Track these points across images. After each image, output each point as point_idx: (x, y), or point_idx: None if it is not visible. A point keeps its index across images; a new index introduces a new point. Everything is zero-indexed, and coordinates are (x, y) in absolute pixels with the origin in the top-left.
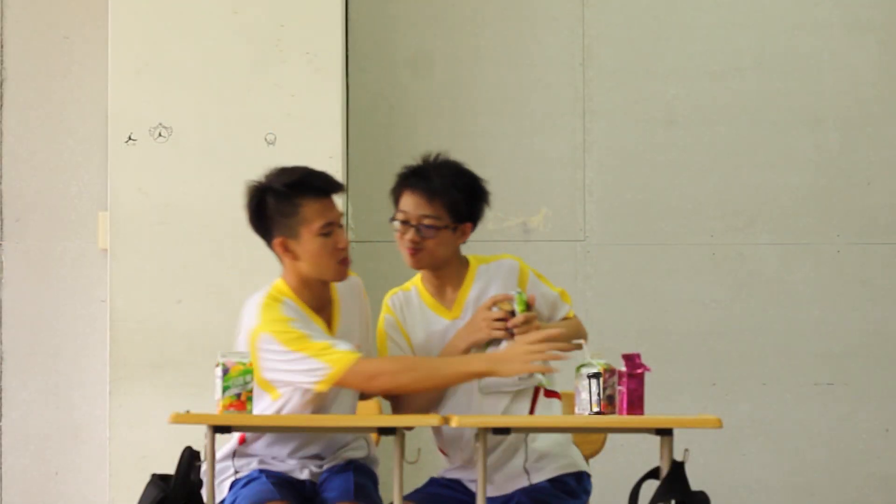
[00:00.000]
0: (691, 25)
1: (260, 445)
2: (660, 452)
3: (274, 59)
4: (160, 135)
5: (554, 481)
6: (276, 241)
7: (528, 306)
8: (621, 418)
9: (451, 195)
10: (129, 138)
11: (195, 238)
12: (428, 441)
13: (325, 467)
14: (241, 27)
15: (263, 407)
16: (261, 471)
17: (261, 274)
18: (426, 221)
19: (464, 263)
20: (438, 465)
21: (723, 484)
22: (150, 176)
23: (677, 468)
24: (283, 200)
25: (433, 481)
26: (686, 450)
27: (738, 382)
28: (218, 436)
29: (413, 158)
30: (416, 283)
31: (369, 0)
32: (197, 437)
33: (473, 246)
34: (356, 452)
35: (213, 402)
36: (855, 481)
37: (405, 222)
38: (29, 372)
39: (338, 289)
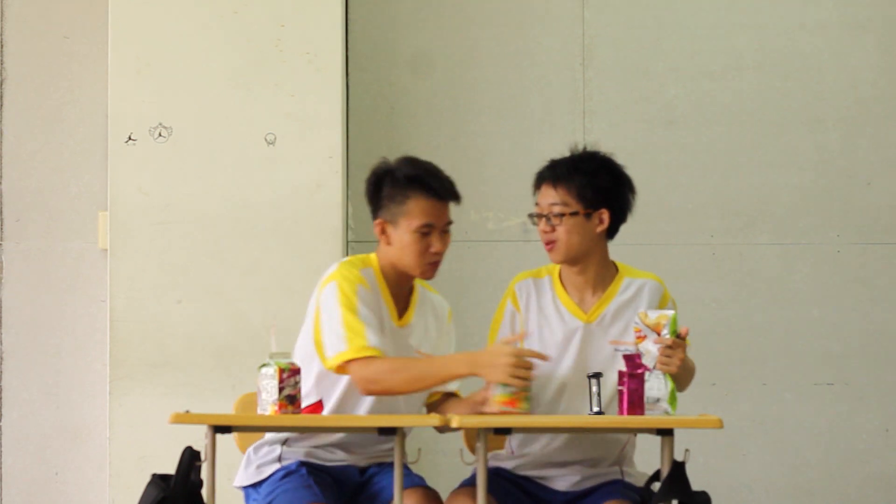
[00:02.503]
0: (691, 25)
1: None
2: (660, 452)
3: (274, 59)
4: (160, 135)
5: (639, 489)
6: (377, 221)
7: (679, 336)
8: (621, 418)
9: (574, 179)
10: (129, 138)
11: (195, 238)
12: (428, 441)
13: (373, 462)
14: (241, 27)
15: (318, 375)
16: (302, 463)
17: (261, 274)
18: (554, 209)
19: (611, 268)
20: (438, 465)
21: (723, 484)
22: (150, 176)
23: (678, 468)
24: (397, 188)
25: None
26: (687, 450)
27: (738, 382)
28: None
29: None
30: (552, 273)
31: (369, 0)
32: (197, 437)
33: (473, 246)
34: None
35: (213, 402)
36: (855, 481)
37: (539, 215)
38: (29, 372)
39: (424, 297)
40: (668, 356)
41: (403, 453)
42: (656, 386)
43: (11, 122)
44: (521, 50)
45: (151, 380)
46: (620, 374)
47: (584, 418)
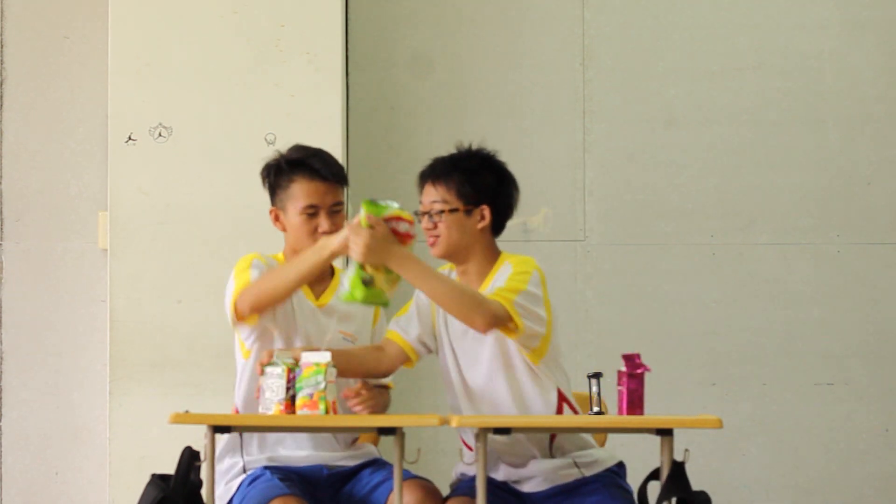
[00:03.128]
0: (691, 25)
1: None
2: (660, 452)
3: (274, 59)
4: (160, 135)
5: (608, 473)
6: (271, 210)
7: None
8: (621, 418)
9: (453, 177)
10: (129, 138)
11: (195, 238)
12: (428, 441)
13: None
14: (241, 27)
15: (239, 370)
16: (265, 467)
17: None
18: (435, 207)
19: (494, 260)
20: (438, 465)
21: (723, 484)
22: (150, 176)
23: (678, 468)
24: (282, 174)
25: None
26: (686, 450)
27: (738, 382)
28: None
29: (413, 158)
30: (453, 268)
31: (369, 0)
32: (197, 437)
33: None
34: (371, 450)
35: (213, 402)
36: (855, 481)
37: (422, 213)
38: (29, 372)
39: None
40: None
41: (403, 453)
42: (344, 280)
43: (11, 122)
44: (521, 50)
45: (151, 380)
46: (620, 374)
47: (584, 418)
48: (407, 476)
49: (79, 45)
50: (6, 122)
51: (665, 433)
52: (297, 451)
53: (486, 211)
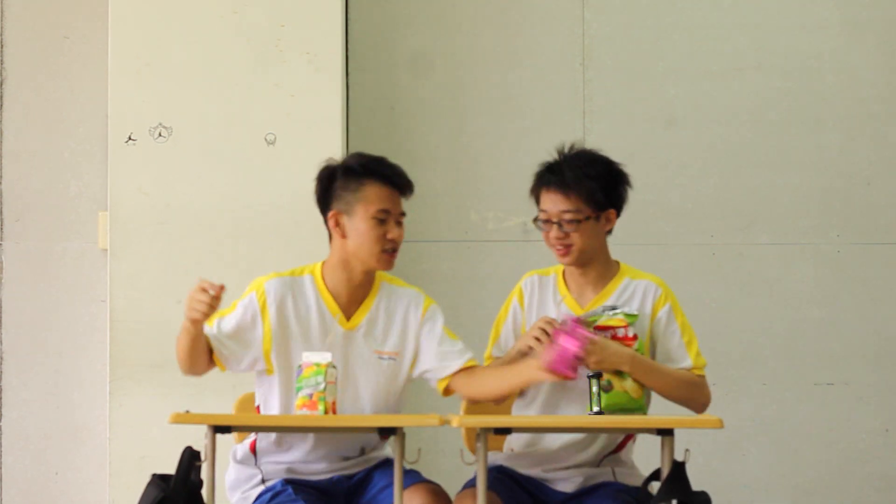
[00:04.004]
0: (691, 25)
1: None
2: (660, 452)
3: (274, 59)
4: (160, 135)
5: (633, 489)
6: (331, 213)
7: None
8: (622, 418)
9: (585, 185)
10: (129, 138)
11: (195, 238)
12: (428, 441)
13: (361, 467)
14: (241, 27)
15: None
16: (287, 481)
17: (261, 274)
18: (567, 216)
19: (613, 267)
20: (438, 465)
21: (723, 484)
22: (150, 176)
23: (678, 468)
24: (351, 176)
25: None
26: (687, 450)
27: (738, 382)
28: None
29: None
30: (558, 272)
31: (369, 0)
32: (197, 437)
33: (473, 246)
34: (386, 450)
35: (213, 402)
36: (855, 481)
37: (547, 221)
38: (29, 372)
39: (388, 293)
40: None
41: (403, 453)
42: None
43: (11, 122)
44: (521, 50)
45: (151, 380)
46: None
47: (584, 418)
48: (416, 480)
49: (79, 45)
50: (6, 122)
51: (665, 433)
52: (315, 465)
53: (613, 214)
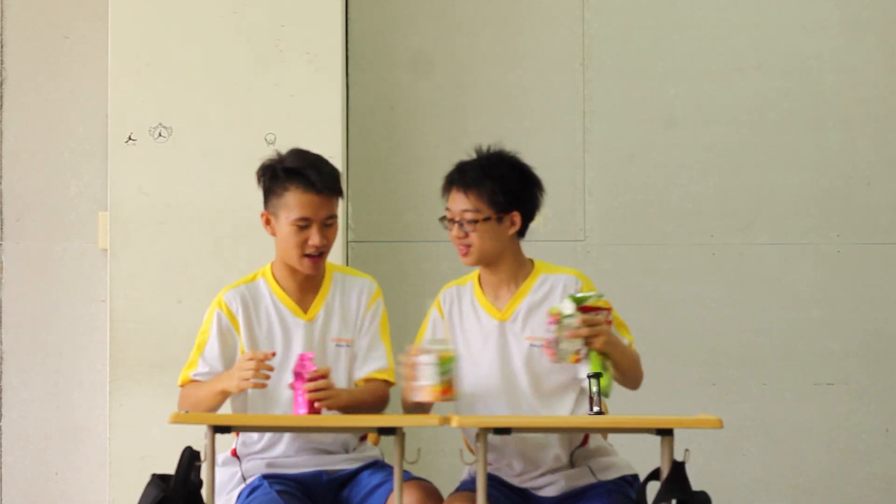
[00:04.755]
0: (691, 25)
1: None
2: (660, 452)
3: (274, 59)
4: (160, 135)
5: (619, 481)
6: (263, 213)
7: (598, 309)
8: (622, 418)
9: (485, 184)
10: (129, 138)
11: (195, 238)
12: (428, 441)
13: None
14: (241, 27)
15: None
16: (265, 476)
17: None
18: (467, 216)
19: (527, 265)
20: (438, 465)
21: (723, 484)
22: (150, 176)
23: (678, 468)
24: (277, 181)
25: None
26: (686, 450)
27: (738, 382)
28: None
29: (413, 158)
30: (474, 279)
31: (369, 0)
32: (197, 437)
33: None
34: (373, 451)
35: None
36: (855, 481)
37: (450, 220)
38: (29, 372)
39: (341, 284)
40: (595, 333)
41: (403, 453)
42: (585, 369)
43: (11, 122)
44: (521, 50)
45: (151, 380)
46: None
47: (584, 418)
48: (407, 477)
49: (79, 45)
50: (6, 122)
51: (665, 433)
52: (296, 457)
53: (517, 217)
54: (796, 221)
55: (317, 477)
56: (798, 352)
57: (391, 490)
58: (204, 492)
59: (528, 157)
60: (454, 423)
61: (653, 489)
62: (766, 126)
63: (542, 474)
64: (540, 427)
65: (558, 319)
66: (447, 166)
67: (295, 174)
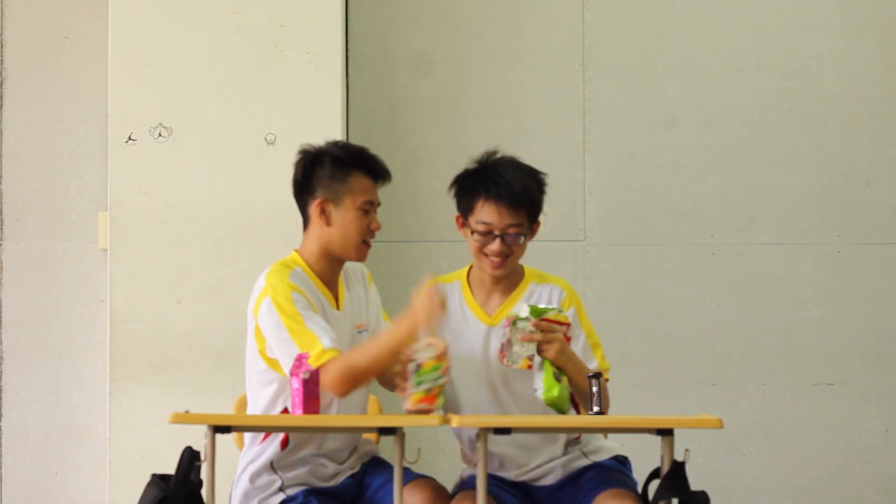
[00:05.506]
0: (691, 25)
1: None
2: (660, 452)
3: (274, 59)
4: (160, 135)
5: (612, 460)
6: (317, 201)
7: (542, 319)
8: (621, 418)
9: (533, 199)
10: (129, 138)
11: (195, 238)
12: (428, 441)
13: (357, 465)
14: (241, 27)
15: (273, 388)
16: (308, 492)
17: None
18: (511, 230)
19: (518, 271)
20: (438, 465)
21: (723, 484)
22: (150, 176)
23: (678, 468)
24: (338, 166)
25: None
26: (686, 450)
27: (738, 382)
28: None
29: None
30: (461, 278)
31: (369, 0)
32: (197, 437)
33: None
34: (371, 446)
35: (213, 402)
36: (855, 481)
37: (488, 233)
38: (29, 372)
39: (344, 271)
40: (549, 339)
41: (403, 453)
42: (538, 378)
43: (11, 122)
44: (521, 50)
45: (151, 380)
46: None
47: (584, 418)
48: (413, 476)
49: (79, 45)
50: (6, 122)
51: (665, 433)
52: (326, 468)
53: (538, 225)
54: (796, 221)
55: (346, 487)
56: (798, 352)
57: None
58: (204, 492)
59: (529, 157)
60: (454, 422)
61: (653, 489)
62: (766, 126)
63: (539, 466)
64: (540, 427)
65: (513, 321)
66: (447, 166)
67: (358, 160)
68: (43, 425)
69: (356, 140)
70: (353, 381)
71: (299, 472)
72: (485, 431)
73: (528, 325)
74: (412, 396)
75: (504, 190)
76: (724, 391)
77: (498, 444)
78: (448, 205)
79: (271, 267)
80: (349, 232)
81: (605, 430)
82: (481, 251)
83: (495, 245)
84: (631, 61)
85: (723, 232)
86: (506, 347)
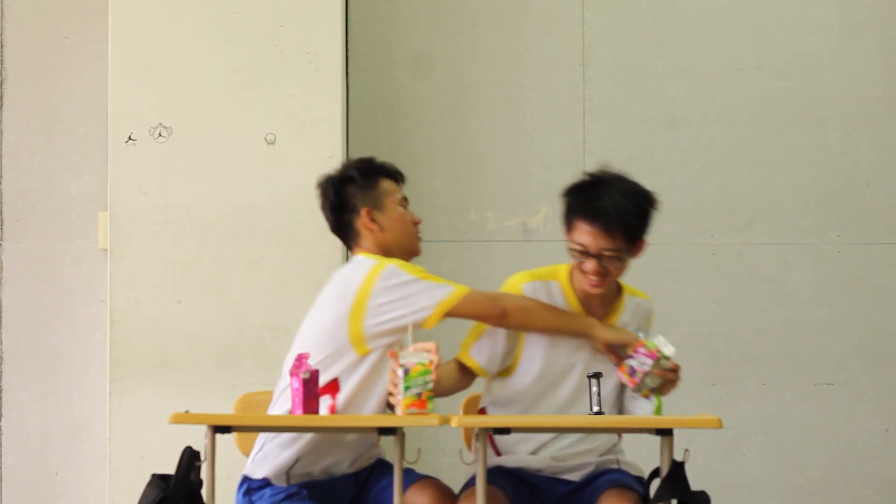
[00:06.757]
0: (691, 25)
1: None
2: (660, 452)
3: (274, 59)
4: (160, 135)
5: (638, 478)
6: (363, 211)
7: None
8: (622, 418)
9: (629, 223)
10: (129, 138)
11: (195, 238)
12: (428, 441)
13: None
14: (241, 27)
15: (344, 366)
16: (304, 485)
17: (261, 274)
18: (607, 253)
19: (615, 283)
20: (438, 465)
21: (723, 484)
22: (150, 176)
23: (678, 468)
24: (365, 178)
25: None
26: (686, 450)
27: (738, 382)
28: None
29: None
30: (561, 279)
31: (369, 0)
32: (197, 437)
33: (473, 246)
34: (376, 450)
35: (213, 402)
36: (855, 481)
37: (584, 252)
38: (29, 372)
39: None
40: (672, 379)
41: (403, 453)
42: (646, 406)
43: (11, 122)
44: (521, 50)
45: (151, 380)
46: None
47: (583, 418)
48: (418, 476)
49: (79, 45)
50: (6, 122)
51: (665, 433)
52: (337, 468)
53: (644, 242)
54: (796, 221)
55: (343, 480)
56: (798, 352)
57: (405, 488)
58: (204, 492)
59: (529, 157)
60: (454, 423)
61: (653, 489)
62: (766, 126)
63: (575, 465)
64: (540, 427)
65: (657, 357)
66: (447, 166)
67: (377, 169)
68: (43, 425)
69: (356, 140)
70: (524, 318)
71: (309, 464)
72: (484, 431)
73: (668, 364)
74: (402, 402)
75: (599, 214)
76: (724, 391)
77: (536, 458)
78: (448, 204)
79: (376, 258)
80: (402, 228)
81: (606, 430)
82: (580, 267)
83: (591, 265)
84: (631, 61)
85: (723, 232)
86: (639, 375)
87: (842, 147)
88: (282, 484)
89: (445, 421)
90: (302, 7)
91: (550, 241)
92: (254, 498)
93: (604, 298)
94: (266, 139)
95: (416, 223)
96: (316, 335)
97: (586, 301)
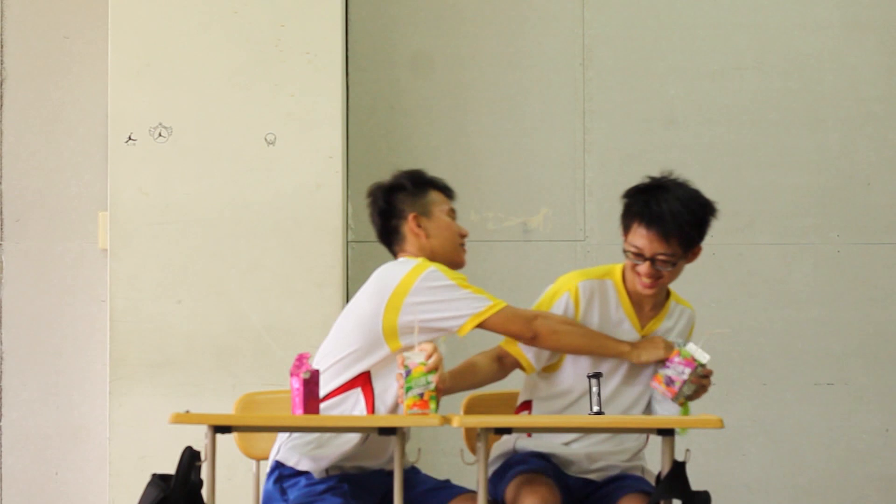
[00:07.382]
0: (691, 25)
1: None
2: (661, 452)
3: (274, 59)
4: (160, 135)
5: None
6: (411, 216)
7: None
8: (622, 418)
9: (685, 231)
10: (129, 138)
11: (195, 238)
12: (428, 441)
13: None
14: (241, 27)
15: (377, 360)
16: (341, 478)
17: (261, 274)
18: (661, 258)
19: (665, 289)
20: (438, 465)
21: (723, 484)
22: (150, 176)
23: (678, 468)
24: (417, 185)
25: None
26: (687, 450)
27: (738, 382)
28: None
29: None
30: (615, 279)
31: (369, 0)
32: (197, 437)
33: (473, 246)
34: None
35: (213, 402)
36: (855, 481)
37: (639, 255)
38: (29, 372)
39: None
40: (705, 384)
41: (403, 453)
42: (673, 410)
43: (11, 122)
44: (521, 50)
45: (151, 380)
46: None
47: (584, 418)
48: (459, 490)
49: (79, 45)
50: (6, 122)
51: (665, 433)
52: (371, 462)
53: (699, 249)
54: (796, 221)
55: (377, 474)
56: (798, 352)
57: (451, 496)
58: (204, 492)
59: (528, 157)
60: (454, 422)
61: None
62: (766, 126)
63: (603, 468)
64: (540, 427)
65: (695, 365)
66: (447, 166)
67: (427, 181)
68: (43, 425)
69: (356, 140)
70: (555, 341)
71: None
72: (485, 431)
73: (703, 371)
74: (405, 402)
75: (656, 219)
76: (724, 391)
77: (569, 449)
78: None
79: (420, 259)
80: (447, 236)
81: (606, 430)
82: (634, 269)
83: (645, 268)
84: (631, 61)
85: (723, 232)
86: (677, 385)
87: (842, 147)
88: (318, 475)
89: (446, 421)
90: (302, 7)
91: (550, 241)
92: (286, 485)
93: (654, 300)
94: (266, 139)
95: (462, 235)
96: (351, 327)
97: (638, 301)
